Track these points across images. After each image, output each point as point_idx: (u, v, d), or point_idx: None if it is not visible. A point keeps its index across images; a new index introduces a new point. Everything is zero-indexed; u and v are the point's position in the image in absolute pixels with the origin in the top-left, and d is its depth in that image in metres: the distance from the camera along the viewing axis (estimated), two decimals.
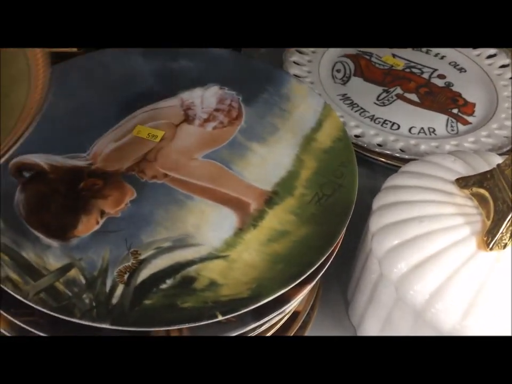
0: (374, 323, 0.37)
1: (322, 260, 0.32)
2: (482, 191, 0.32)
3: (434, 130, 0.51)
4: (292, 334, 0.36)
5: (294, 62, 0.56)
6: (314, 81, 0.54)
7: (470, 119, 0.53)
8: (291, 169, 0.39)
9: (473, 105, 0.54)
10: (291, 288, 0.31)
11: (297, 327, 0.36)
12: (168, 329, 0.30)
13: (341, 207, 0.35)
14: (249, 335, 0.32)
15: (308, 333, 0.38)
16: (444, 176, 0.35)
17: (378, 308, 0.36)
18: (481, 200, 0.33)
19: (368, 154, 0.48)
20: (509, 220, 0.30)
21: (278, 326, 0.34)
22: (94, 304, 0.29)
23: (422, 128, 0.51)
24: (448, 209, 0.33)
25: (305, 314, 0.37)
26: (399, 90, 0.55)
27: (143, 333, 0.30)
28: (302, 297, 0.34)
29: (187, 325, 0.29)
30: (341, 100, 0.54)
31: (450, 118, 0.52)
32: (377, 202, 0.36)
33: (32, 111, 0.28)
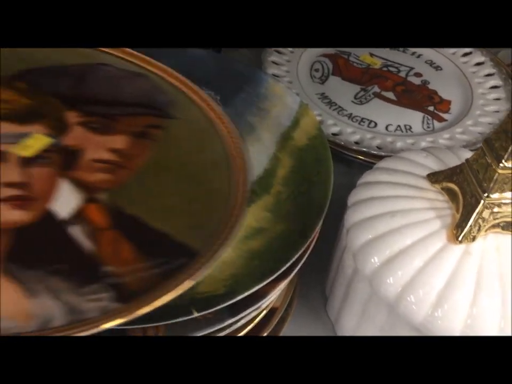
0: (351, 318, 0.37)
1: (297, 255, 0.32)
2: (452, 185, 0.33)
3: (410, 127, 0.52)
4: (269, 330, 0.36)
5: (273, 62, 0.56)
6: (293, 80, 0.55)
7: (445, 116, 0.53)
8: (268, 168, 0.39)
9: (449, 102, 0.55)
10: (267, 284, 0.31)
11: (275, 322, 0.37)
12: (144, 327, 0.30)
13: (316, 204, 0.36)
14: (226, 331, 0.32)
15: (286, 328, 0.38)
16: (416, 172, 0.36)
17: (354, 303, 0.36)
18: (451, 194, 0.33)
19: (346, 152, 0.49)
20: (477, 213, 0.31)
21: (256, 322, 0.35)
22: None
23: (399, 125, 0.52)
24: (420, 204, 0.34)
25: (282, 310, 0.37)
26: (376, 89, 0.56)
27: (119, 332, 0.30)
28: (278, 293, 0.35)
29: (163, 323, 0.29)
30: (319, 98, 0.54)
31: (426, 116, 0.53)
32: (352, 198, 0.37)
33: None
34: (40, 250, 0.27)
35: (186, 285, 0.26)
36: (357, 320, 0.37)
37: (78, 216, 0.28)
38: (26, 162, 0.30)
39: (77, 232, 0.27)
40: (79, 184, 0.30)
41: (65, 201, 0.29)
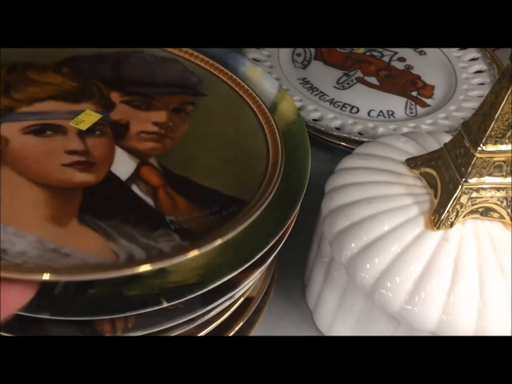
0: (329, 306, 0.37)
1: (272, 243, 0.31)
2: (430, 170, 0.32)
3: (393, 113, 0.51)
4: (245, 319, 0.35)
5: None
6: (274, 65, 0.54)
7: (428, 101, 0.52)
8: None
9: (432, 87, 0.54)
10: (241, 272, 0.30)
11: (251, 312, 0.36)
12: (113, 318, 0.29)
13: (293, 190, 0.35)
14: (199, 321, 0.31)
15: (263, 318, 0.37)
16: (395, 157, 0.35)
17: (331, 291, 0.36)
18: (429, 180, 0.32)
19: (327, 138, 0.48)
20: (455, 199, 0.30)
21: (231, 311, 0.34)
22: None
23: (381, 111, 0.51)
24: (398, 189, 0.33)
25: (259, 299, 0.37)
26: (359, 74, 0.55)
27: (87, 323, 0.29)
28: (253, 282, 0.34)
29: (132, 313, 0.28)
30: (300, 83, 0.53)
31: (409, 101, 0.52)
32: (329, 185, 0.36)
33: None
34: (108, 205, 0.30)
35: (239, 228, 0.29)
36: (335, 309, 0.36)
37: (135, 177, 0.31)
38: (83, 134, 0.33)
39: (137, 190, 0.31)
40: (131, 151, 0.33)
41: (122, 165, 0.32)
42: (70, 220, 0.28)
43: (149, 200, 0.30)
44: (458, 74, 0.55)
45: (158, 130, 0.34)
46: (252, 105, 0.38)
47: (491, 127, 0.28)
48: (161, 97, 0.37)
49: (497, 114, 0.27)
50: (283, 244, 0.34)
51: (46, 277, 0.25)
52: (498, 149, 0.28)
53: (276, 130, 0.36)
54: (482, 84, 0.54)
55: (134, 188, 0.31)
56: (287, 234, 0.34)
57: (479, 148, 0.28)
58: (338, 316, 0.36)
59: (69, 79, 0.36)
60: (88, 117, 0.34)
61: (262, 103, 0.38)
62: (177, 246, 0.28)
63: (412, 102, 0.52)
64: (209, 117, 0.37)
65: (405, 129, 0.48)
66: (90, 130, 0.33)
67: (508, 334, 0.29)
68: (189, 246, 0.28)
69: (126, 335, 0.29)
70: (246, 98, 0.38)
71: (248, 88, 0.39)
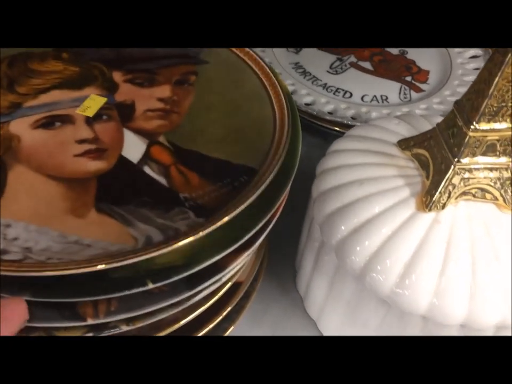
0: (319, 292, 0.36)
1: (260, 225, 0.31)
2: (422, 151, 0.32)
3: (387, 98, 0.50)
4: (233, 304, 0.35)
5: None
6: (266, 49, 0.53)
7: (423, 86, 0.52)
8: None
9: (427, 72, 0.53)
10: (228, 255, 0.30)
11: (239, 297, 0.35)
12: (95, 301, 0.29)
13: (282, 172, 0.34)
14: (184, 305, 0.30)
15: (251, 303, 0.37)
16: (387, 139, 0.34)
17: (321, 276, 0.35)
18: (421, 161, 0.32)
19: (319, 123, 0.47)
20: (447, 179, 0.29)
21: (218, 296, 0.33)
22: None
23: (375, 96, 0.50)
24: (389, 171, 0.32)
25: (248, 285, 0.36)
26: (353, 59, 0.54)
27: (69, 306, 0.28)
28: (241, 266, 0.33)
29: (116, 295, 0.27)
30: (293, 68, 0.52)
31: (403, 86, 0.51)
32: (320, 167, 0.35)
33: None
34: (123, 190, 0.30)
35: (251, 197, 0.29)
36: (325, 295, 0.35)
37: (146, 158, 0.32)
38: (91, 120, 0.33)
39: (149, 171, 0.31)
40: (140, 132, 0.33)
41: (132, 147, 0.32)
42: (88, 210, 0.29)
43: (162, 180, 0.31)
44: (454, 59, 0.54)
45: (164, 106, 0.35)
46: (254, 67, 0.37)
47: (484, 104, 0.27)
48: (163, 70, 0.37)
49: (491, 91, 0.26)
50: (275, 229, 0.33)
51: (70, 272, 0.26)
52: (492, 127, 0.28)
53: (281, 92, 0.35)
54: (477, 69, 0.53)
55: (146, 169, 0.31)
56: (277, 217, 0.33)
57: (472, 127, 0.28)
58: (329, 301, 0.35)
59: (70, 64, 0.36)
60: (94, 102, 0.34)
61: (264, 65, 0.37)
62: (193, 223, 0.28)
63: (406, 87, 0.51)
64: (212, 85, 0.37)
65: (398, 114, 0.47)
66: (98, 116, 0.33)
67: (499, 318, 0.28)
68: (204, 223, 0.28)
69: (108, 319, 0.28)
70: (248, 61, 0.38)
71: (249, 50, 0.38)
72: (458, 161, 0.29)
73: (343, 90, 0.50)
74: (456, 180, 0.29)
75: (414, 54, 0.55)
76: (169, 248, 0.27)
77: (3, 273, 0.25)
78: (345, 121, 0.46)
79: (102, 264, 0.26)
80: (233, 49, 0.39)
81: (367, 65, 0.53)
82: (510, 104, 0.27)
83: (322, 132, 0.48)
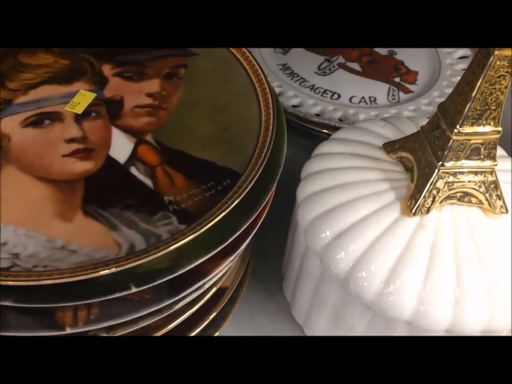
0: (305, 298, 0.35)
1: (245, 227, 0.30)
2: (407, 155, 0.31)
3: (375, 99, 0.50)
4: (218, 310, 0.34)
5: None
6: (253, 50, 0.52)
7: (411, 87, 0.51)
8: None
9: (416, 73, 0.53)
10: (212, 260, 0.29)
11: (224, 303, 0.35)
12: (75, 309, 0.28)
13: (267, 174, 0.33)
14: (166, 312, 0.30)
15: (237, 309, 0.36)
16: (373, 142, 0.34)
17: (307, 281, 0.34)
18: (406, 164, 0.31)
19: (307, 125, 0.47)
20: (431, 183, 0.29)
21: (202, 302, 0.32)
22: None
23: (363, 97, 0.50)
24: (374, 175, 0.32)
25: (232, 290, 0.35)
26: (341, 60, 0.53)
27: (48, 313, 0.28)
28: (224, 272, 0.33)
29: (97, 299, 0.27)
30: (280, 69, 0.52)
31: (391, 87, 0.51)
32: (305, 171, 0.34)
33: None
34: (109, 192, 0.30)
35: (233, 204, 0.29)
36: (311, 299, 0.35)
37: (133, 158, 0.32)
38: (80, 118, 0.33)
39: (135, 172, 0.31)
40: (127, 130, 0.33)
41: (120, 146, 0.32)
42: (75, 214, 0.29)
43: (148, 181, 0.31)
44: (443, 60, 0.54)
45: (152, 102, 0.34)
46: (243, 62, 0.37)
47: (467, 107, 0.27)
48: (151, 63, 0.37)
49: (474, 94, 0.26)
50: (261, 234, 0.32)
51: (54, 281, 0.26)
52: (476, 131, 0.27)
53: (268, 90, 0.35)
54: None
55: (133, 170, 0.31)
56: (261, 220, 0.32)
57: (455, 130, 0.27)
58: (314, 306, 0.35)
59: (60, 57, 0.36)
60: (83, 98, 0.34)
61: (252, 60, 0.37)
62: (175, 230, 0.28)
63: (395, 88, 0.51)
64: (201, 79, 0.36)
65: (387, 116, 0.47)
66: (86, 113, 0.33)
67: (484, 322, 0.28)
68: (186, 231, 0.28)
69: (87, 328, 0.28)
70: (237, 55, 0.38)
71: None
72: (442, 165, 0.28)
73: (331, 91, 0.50)
74: (440, 184, 0.29)
75: (403, 54, 0.54)
76: (151, 257, 0.27)
77: None
78: (333, 123, 0.46)
79: (85, 275, 0.26)
80: None
81: (355, 66, 0.53)
82: (493, 107, 0.27)
83: (309, 134, 0.48)
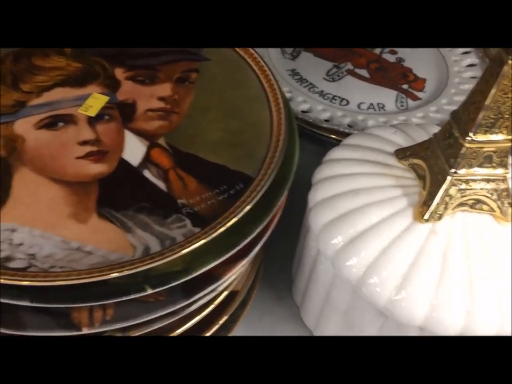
0: (315, 302, 0.36)
1: (258, 231, 0.31)
2: (419, 162, 0.32)
3: (383, 106, 0.50)
4: (229, 314, 0.34)
5: None
6: (263, 55, 0.52)
7: (419, 94, 0.52)
8: None
9: (424, 80, 0.53)
10: (225, 264, 0.30)
11: (235, 307, 0.35)
12: (91, 310, 0.28)
13: (279, 179, 0.34)
14: (181, 314, 0.30)
15: (247, 313, 0.36)
16: (384, 148, 0.34)
17: (317, 286, 0.35)
18: (418, 171, 0.32)
19: (316, 130, 0.47)
20: (444, 191, 0.29)
21: (214, 305, 0.33)
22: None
23: (371, 104, 0.50)
24: (386, 181, 0.32)
25: (244, 294, 0.36)
26: (349, 66, 0.54)
27: (64, 313, 0.28)
28: (237, 275, 0.33)
29: (112, 300, 0.27)
30: (289, 75, 0.52)
31: (400, 94, 0.51)
32: (316, 176, 0.35)
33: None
34: (123, 194, 0.30)
35: (246, 208, 0.29)
36: (321, 304, 0.35)
37: (146, 161, 0.32)
38: (93, 120, 0.33)
39: (148, 175, 0.31)
40: (140, 133, 0.33)
41: (133, 149, 0.32)
42: (89, 215, 0.29)
43: (161, 184, 0.31)
44: (450, 67, 0.54)
45: (164, 105, 0.35)
46: (254, 67, 0.38)
47: (481, 116, 0.27)
48: (164, 67, 0.37)
49: (487, 102, 0.26)
50: (271, 238, 0.33)
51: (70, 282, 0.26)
52: (488, 139, 0.28)
53: (279, 95, 0.35)
54: (474, 77, 0.53)
55: (146, 173, 0.31)
56: (273, 225, 0.33)
57: (468, 138, 0.28)
58: (325, 312, 0.35)
59: (72, 60, 0.36)
60: (96, 101, 0.34)
61: (264, 65, 0.38)
62: (189, 233, 0.29)
63: (403, 95, 0.51)
64: (213, 83, 0.37)
65: (395, 122, 0.47)
66: (99, 116, 0.33)
67: (496, 329, 0.28)
68: (200, 234, 0.28)
69: (103, 328, 0.28)
70: (248, 60, 0.38)
71: (250, 49, 0.39)
72: (455, 172, 0.29)
73: (339, 97, 0.51)
74: (453, 191, 0.29)
75: (411, 62, 0.55)
76: (166, 260, 0.27)
77: (8, 282, 0.26)
78: (342, 129, 0.46)
79: (101, 276, 0.26)
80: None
81: (363, 72, 0.53)
82: (506, 116, 0.27)
83: (318, 139, 0.48)
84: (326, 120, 0.48)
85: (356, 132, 0.46)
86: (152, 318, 0.29)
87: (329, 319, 0.35)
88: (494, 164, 0.29)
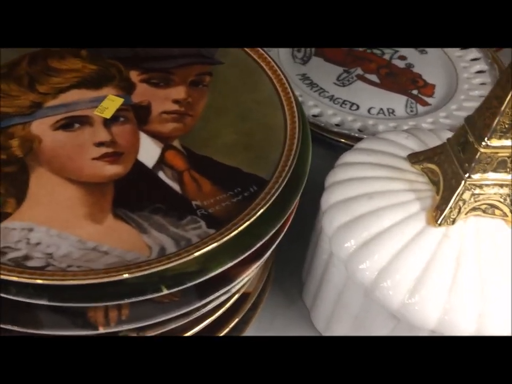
0: (326, 304, 0.36)
1: (272, 233, 0.31)
2: (432, 166, 0.32)
3: (393, 111, 0.50)
4: (241, 316, 0.35)
5: None
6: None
7: (429, 100, 0.52)
8: None
9: (433, 86, 0.53)
10: (239, 265, 0.30)
11: (247, 308, 0.35)
12: (107, 309, 0.29)
13: (292, 181, 0.34)
14: (194, 315, 0.30)
15: (258, 315, 0.37)
16: (397, 153, 0.34)
17: (329, 288, 0.35)
18: (432, 175, 0.32)
19: (326, 135, 0.47)
20: (457, 195, 0.29)
21: (226, 307, 0.33)
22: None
23: (381, 108, 0.51)
24: (399, 185, 0.32)
25: (255, 296, 0.36)
26: (359, 71, 0.54)
27: (80, 313, 0.28)
28: (250, 277, 0.33)
29: (129, 300, 0.28)
30: (300, 79, 0.52)
31: (409, 99, 0.52)
32: (329, 179, 0.35)
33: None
34: (138, 195, 0.31)
35: (260, 210, 0.30)
36: (332, 307, 0.35)
37: (161, 163, 0.32)
38: (109, 122, 0.34)
39: (163, 176, 0.32)
40: (155, 135, 0.34)
41: (148, 151, 0.33)
42: (105, 216, 0.30)
43: (176, 186, 0.31)
44: (460, 73, 0.54)
45: (178, 108, 0.35)
46: (268, 71, 0.38)
47: (496, 121, 0.27)
48: (177, 70, 0.37)
49: (503, 108, 0.27)
50: (282, 241, 0.33)
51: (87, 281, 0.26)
52: (503, 144, 0.28)
53: (293, 99, 0.36)
54: (483, 83, 0.53)
55: (161, 175, 0.32)
56: (287, 226, 0.33)
57: (483, 143, 0.28)
58: (336, 314, 0.35)
59: (88, 62, 0.37)
60: (111, 103, 0.35)
61: (277, 69, 0.38)
62: (204, 234, 0.29)
63: (413, 101, 0.52)
64: (226, 86, 0.37)
65: (405, 127, 0.48)
66: (115, 118, 0.34)
67: (508, 332, 0.28)
68: (215, 235, 0.29)
69: (119, 328, 0.28)
70: (262, 64, 0.38)
71: (263, 53, 0.39)
72: (469, 177, 0.29)
73: (350, 102, 0.51)
74: (466, 196, 0.29)
75: (420, 67, 0.55)
76: (182, 260, 0.27)
77: (27, 281, 0.26)
78: (352, 134, 0.47)
79: (119, 276, 0.26)
80: (248, 51, 0.39)
81: (373, 77, 0.54)
82: None
83: (328, 144, 0.48)
84: (337, 125, 0.48)
85: (366, 136, 0.46)
86: (167, 319, 0.29)
87: (339, 322, 0.35)
88: (508, 169, 0.29)
